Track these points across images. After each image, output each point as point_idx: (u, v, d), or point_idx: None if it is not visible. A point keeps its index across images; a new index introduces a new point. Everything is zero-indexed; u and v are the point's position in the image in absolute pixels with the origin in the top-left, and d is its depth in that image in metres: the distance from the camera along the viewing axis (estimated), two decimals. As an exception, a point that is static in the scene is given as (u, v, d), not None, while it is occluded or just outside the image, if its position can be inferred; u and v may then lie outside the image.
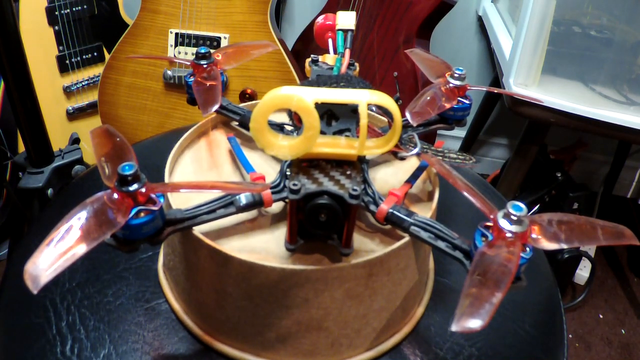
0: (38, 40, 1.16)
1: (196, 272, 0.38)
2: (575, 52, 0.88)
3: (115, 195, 0.31)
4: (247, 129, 0.47)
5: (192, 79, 0.47)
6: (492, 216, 0.31)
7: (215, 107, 0.43)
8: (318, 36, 0.52)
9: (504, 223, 0.30)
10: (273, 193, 0.37)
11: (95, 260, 0.46)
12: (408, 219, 0.36)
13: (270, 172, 0.45)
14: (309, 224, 0.34)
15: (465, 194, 0.34)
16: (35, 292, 0.27)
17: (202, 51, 0.46)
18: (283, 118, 0.52)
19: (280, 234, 0.39)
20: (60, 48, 1.19)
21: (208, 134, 0.49)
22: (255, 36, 1.11)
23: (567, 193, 1.08)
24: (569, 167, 1.32)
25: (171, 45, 1.13)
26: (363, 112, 0.32)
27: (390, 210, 0.36)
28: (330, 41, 0.51)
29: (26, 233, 0.54)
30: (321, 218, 0.33)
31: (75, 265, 0.42)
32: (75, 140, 0.95)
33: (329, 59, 0.49)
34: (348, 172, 0.35)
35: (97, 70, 1.26)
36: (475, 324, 0.26)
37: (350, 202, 0.32)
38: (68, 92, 1.23)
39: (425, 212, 0.42)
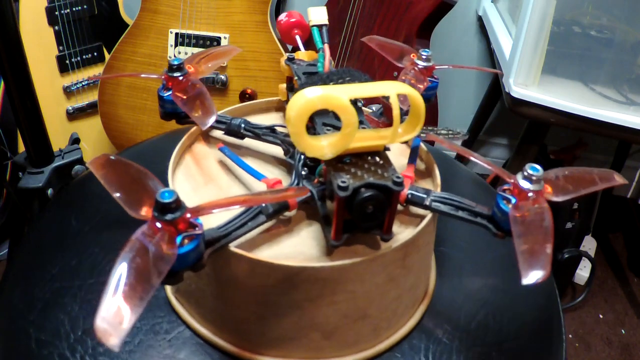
0: (38, 40, 1.16)
1: (232, 288, 0.37)
2: (575, 52, 0.88)
3: (159, 224, 0.29)
4: (237, 136, 0.46)
5: (167, 93, 0.43)
6: (512, 180, 0.34)
7: (213, 117, 0.41)
8: (284, 34, 0.51)
9: (524, 183, 0.33)
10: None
11: (93, 301, 0.43)
12: (427, 196, 0.38)
13: (270, 176, 0.45)
14: (358, 218, 0.34)
15: (481, 162, 0.38)
16: (117, 349, 0.25)
17: (176, 62, 0.43)
18: (272, 120, 0.52)
19: (305, 234, 0.39)
20: (60, 48, 1.19)
21: (190, 148, 0.47)
22: (255, 36, 1.11)
23: (567, 193, 1.08)
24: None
25: (171, 45, 1.13)
26: (395, 102, 0.33)
27: (410, 192, 0.38)
28: (298, 38, 0.51)
29: (26, 233, 0.54)
30: (368, 210, 0.34)
31: (72, 313, 0.42)
32: (75, 140, 0.95)
33: (303, 55, 0.49)
34: (380, 162, 0.36)
35: (97, 70, 1.26)
36: (539, 274, 0.30)
37: (395, 189, 0.34)
38: (68, 92, 1.23)
39: (429, 187, 0.44)
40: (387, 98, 0.34)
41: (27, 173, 0.77)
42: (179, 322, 0.42)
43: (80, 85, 1.24)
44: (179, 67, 0.43)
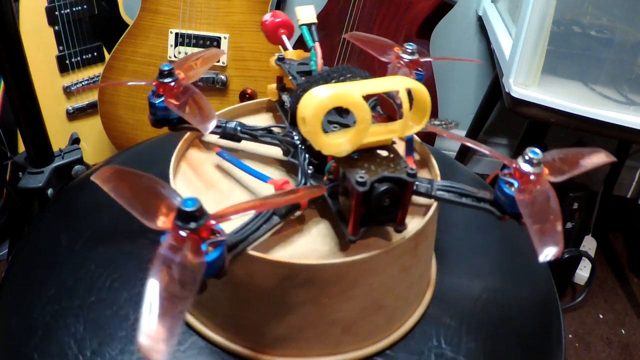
0: (38, 40, 1.16)
1: (251, 293, 0.37)
2: (575, 52, 0.88)
3: (182, 233, 0.29)
4: (233, 139, 0.45)
5: (158, 100, 0.42)
6: (514, 165, 0.35)
7: (214, 122, 0.40)
8: (270, 35, 0.51)
9: (526, 167, 0.35)
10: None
11: (98, 320, 0.42)
12: (432, 186, 0.38)
13: (271, 177, 0.45)
14: (376, 212, 0.35)
15: (483, 150, 0.40)
16: None
17: (167, 68, 0.42)
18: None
19: (316, 232, 0.39)
20: (60, 48, 1.20)
21: (185, 155, 0.46)
22: (255, 36, 1.11)
23: (567, 193, 1.08)
24: (569, 167, 1.32)
25: (171, 45, 1.14)
26: (404, 96, 0.34)
27: (415, 183, 0.38)
28: (284, 38, 0.50)
29: (26, 234, 0.53)
30: (385, 203, 0.35)
31: (77, 334, 0.41)
32: (75, 140, 0.95)
33: (292, 54, 0.49)
34: (390, 156, 0.36)
35: (97, 70, 1.26)
36: (553, 250, 0.31)
37: (410, 180, 0.35)
38: (68, 92, 1.23)
39: (427, 176, 0.45)
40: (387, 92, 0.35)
41: (27, 173, 0.77)
42: (191, 332, 0.41)
43: (80, 85, 1.24)
44: (170, 73, 0.42)
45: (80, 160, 0.81)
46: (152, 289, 0.26)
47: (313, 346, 0.39)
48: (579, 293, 1.22)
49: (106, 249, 0.48)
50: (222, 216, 0.30)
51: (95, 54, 1.24)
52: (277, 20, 0.50)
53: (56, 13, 1.17)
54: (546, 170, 0.35)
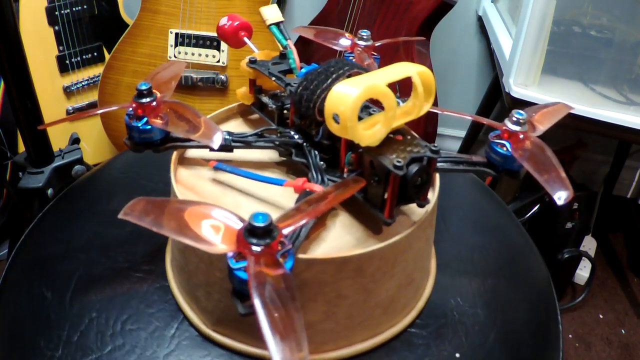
0: (38, 40, 1.16)
1: (304, 296, 0.37)
2: (575, 52, 0.88)
3: (258, 249, 0.28)
4: (225, 150, 0.43)
5: (141, 122, 0.39)
6: (503, 127, 0.39)
7: (221, 133, 0.39)
8: (230, 38, 0.49)
9: (514, 127, 0.39)
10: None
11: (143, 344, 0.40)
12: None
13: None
14: (411, 192, 0.36)
15: (469, 118, 0.43)
16: None
17: (145, 87, 0.39)
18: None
19: (339, 224, 0.40)
20: (60, 48, 1.20)
21: (175, 177, 0.43)
22: (255, 36, 1.11)
23: (567, 193, 1.08)
24: (569, 167, 1.32)
25: (171, 46, 1.14)
26: (417, 81, 0.36)
27: None
28: (247, 39, 0.49)
29: (26, 236, 0.52)
30: (418, 182, 0.36)
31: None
32: (75, 140, 0.95)
33: (259, 55, 0.48)
34: (408, 137, 0.38)
35: (97, 70, 1.26)
36: (566, 194, 0.36)
37: (435, 157, 0.37)
38: (68, 92, 1.23)
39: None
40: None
41: (27, 173, 0.78)
42: (230, 354, 0.40)
43: (80, 85, 1.24)
44: (149, 91, 0.39)
45: (80, 161, 0.81)
46: (263, 317, 0.26)
47: (358, 333, 0.40)
48: (579, 293, 1.22)
49: (100, 293, 0.44)
50: (287, 226, 0.30)
51: (95, 54, 1.24)
52: (236, 23, 0.49)
53: (56, 13, 1.17)
54: (530, 128, 0.39)
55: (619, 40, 0.86)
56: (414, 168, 0.35)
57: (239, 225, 0.30)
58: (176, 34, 1.13)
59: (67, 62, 1.21)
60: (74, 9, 1.19)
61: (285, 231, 0.30)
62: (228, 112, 0.51)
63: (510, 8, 1.13)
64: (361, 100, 0.33)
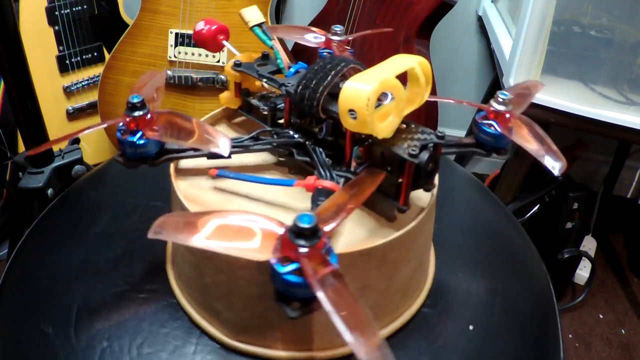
0: (38, 40, 1.16)
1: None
2: (575, 52, 0.88)
3: (304, 250, 0.29)
4: (222, 156, 0.41)
5: (136, 136, 0.37)
6: (491, 108, 0.41)
7: (228, 140, 0.38)
8: (209, 43, 0.48)
9: (500, 107, 0.41)
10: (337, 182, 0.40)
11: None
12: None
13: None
14: (424, 178, 0.38)
15: (454, 101, 0.46)
16: None
17: (137, 100, 0.37)
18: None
19: (350, 217, 0.40)
20: (60, 48, 1.20)
21: (174, 189, 0.41)
22: (255, 36, 1.11)
23: (567, 193, 1.08)
24: (569, 167, 1.32)
25: (171, 45, 1.13)
26: (419, 72, 0.38)
27: None
28: (226, 43, 0.48)
29: (8, 270, 0.50)
30: (429, 168, 0.38)
31: None
32: (75, 140, 0.95)
33: (245, 57, 0.48)
34: (412, 126, 0.39)
35: (97, 70, 1.26)
36: (561, 165, 0.38)
37: (441, 142, 0.38)
38: (68, 92, 1.23)
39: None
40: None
41: (27, 173, 0.78)
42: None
43: (80, 85, 1.24)
44: (142, 104, 0.37)
45: (80, 161, 0.81)
46: (335, 314, 0.26)
47: (381, 319, 0.40)
48: (579, 293, 1.22)
49: (106, 321, 0.42)
50: (328, 224, 0.31)
51: (95, 54, 1.24)
52: (214, 27, 0.48)
53: (56, 13, 1.17)
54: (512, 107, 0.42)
55: (619, 40, 0.86)
56: (425, 155, 0.37)
57: (279, 229, 0.30)
58: (176, 33, 1.13)
59: (67, 62, 1.21)
60: (74, 9, 1.19)
61: (327, 229, 0.30)
62: (213, 118, 0.50)
63: (510, 8, 1.13)
64: (377, 95, 0.34)
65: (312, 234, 0.29)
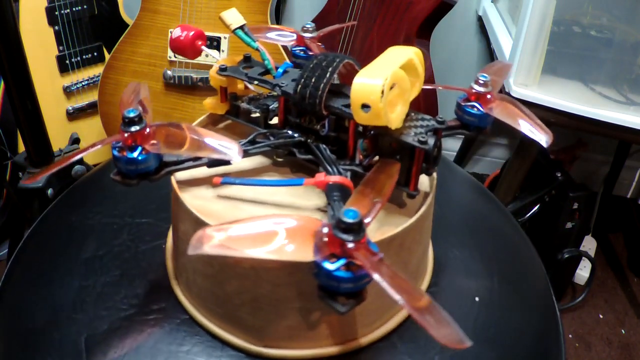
0: (38, 40, 1.16)
1: None
2: (575, 52, 0.88)
3: (351, 245, 0.29)
4: (222, 164, 0.41)
5: (135, 152, 0.35)
6: (473, 91, 0.43)
7: (237, 144, 0.37)
8: (187, 49, 0.46)
9: (481, 88, 0.43)
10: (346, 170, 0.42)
11: None
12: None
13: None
14: (432, 162, 0.40)
15: (441, 87, 0.52)
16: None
17: (133, 114, 0.35)
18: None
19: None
20: (60, 48, 1.20)
21: (182, 202, 0.39)
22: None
23: (567, 193, 1.08)
24: (569, 167, 1.32)
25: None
26: (417, 62, 0.39)
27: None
28: (205, 48, 0.47)
29: (27, 238, 0.51)
30: (435, 153, 0.39)
31: None
32: (75, 140, 0.95)
33: (229, 61, 0.47)
34: (412, 113, 0.40)
35: (97, 70, 1.26)
36: (546, 137, 0.40)
37: (442, 127, 0.40)
38: (68, 92, 1.23)
39: (426, 180, 0.48)
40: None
41: (27, 173, 0.77)
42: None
43: (80, 85, 1.24)
44: (140, 117, 0.35)
45: (80, 161, 0.81)
46: (400, 298, 0.27)
47: (396, 305, 0.41)
48: (579, 293, 1.22)
49: (119, 348, 0.40)
50: (367, 216, 0.32)
51: (95, 54, 1.24)
52: (191, 33, 0.46)
53: (56, 13, 1.17)
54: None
55: (619, 40, 0.86)
56: (431, 141, 0.38)
57: (319, 227, 0.30)
58: (176, 34, 1.13)
59: (67, 62, 1.21)
60: (74, 9, 1.19)
61: (367, 221, 0.31)
62: (199, 125, 0.49)
63: (510, 8, 1.13)
64: (389, 87, 0.35)
65: (358, 228, 0.29)
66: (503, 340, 0.44)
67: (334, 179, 0.38)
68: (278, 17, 1.43)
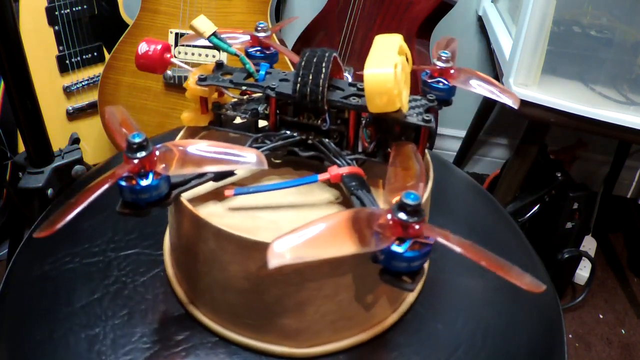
0: (38, 40, 1.16)
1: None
2: (575, 52, 0.88)
3: (406, 228, 0.31)
4: (228, 175, 0.41)
5: (146, 181, 0.33)
6: (436, 67, 0.45)
7: (254, 152, 0.36)
8: (156, 64, 0.45)
9: (443, 64, 0.44)
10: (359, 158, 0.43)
11: None
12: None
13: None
14: (432, 140, 0.41)
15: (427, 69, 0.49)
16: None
17: (139, 139, 0.33)
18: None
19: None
20: (60, 48, 1.20)
21: (207, 223, 0.37)
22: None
23: (567, 193, 1.08)
24: (569, 167, 1.32)
25: (171, 45, 1.14)
26: (405, 46, 0.41)
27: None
28: (175, 60, 0.46)
29: (27, 238, 0.50)
30: (434, 129, 0.41)
31: None
32: (75, 140, 0.95)
33: (203, 70, 0.45)
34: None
35: (97, 70, 1.26)
36: (512, 99, 0.43)
37: (433, 105, 0.43)
38: (68, 92, 1.23)
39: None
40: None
41: (27, 173, 0.77)
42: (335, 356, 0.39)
43: (80, 85, 1.24)
44: (147, 141, 0.33)
45: (80, 161, 0.81)
46: (479, 257, 0.30)
47: (402, 295, 0.43)
48: (579, 293, 1.22)
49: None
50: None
51: (95, 54, 1.24)
52: (159, 47, 0.45)
53: (56, 13, 1.17)
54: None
55: (619, 40, 0.86)
56: (432, 119, 0.40)
57: (384, 214, 0.31)
58: (176, 33, 1.13)
59: (67, 62, 1.21)
60: (74, 9, 1.19)
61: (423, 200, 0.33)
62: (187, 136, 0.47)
63: (510, 8, 1.13)
64: (398, 74, 0.36)
65: (420, 209, 0.30)
66: (503, 340, 0.44)
67: (347, 170, 0.40)
68: (278, 17, 1.43)
